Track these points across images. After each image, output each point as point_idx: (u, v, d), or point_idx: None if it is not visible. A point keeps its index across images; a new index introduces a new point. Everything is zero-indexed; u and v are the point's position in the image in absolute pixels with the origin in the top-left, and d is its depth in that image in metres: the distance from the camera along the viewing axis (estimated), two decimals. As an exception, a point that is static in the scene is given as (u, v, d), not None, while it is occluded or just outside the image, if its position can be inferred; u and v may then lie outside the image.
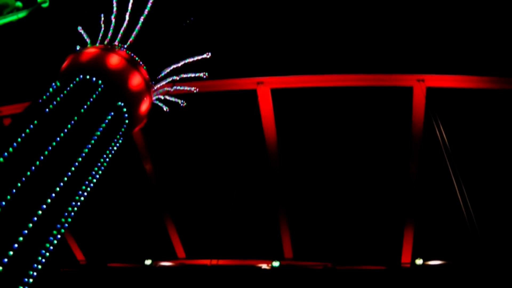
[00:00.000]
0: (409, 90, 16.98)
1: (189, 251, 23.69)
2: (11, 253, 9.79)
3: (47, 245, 10.78)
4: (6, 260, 9.65)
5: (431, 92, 16.78)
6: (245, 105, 18.35)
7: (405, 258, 20.41)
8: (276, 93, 18.00)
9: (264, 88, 17.63)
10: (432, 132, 16.97)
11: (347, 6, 17.19)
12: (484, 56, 16.15)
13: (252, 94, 17.96)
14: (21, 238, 10.09)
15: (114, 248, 24.59)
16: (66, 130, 12.01)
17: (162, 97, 15.74)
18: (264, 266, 22.08)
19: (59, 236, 11.07)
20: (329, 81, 17.27)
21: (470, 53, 16.17)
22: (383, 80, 17.03)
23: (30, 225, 10.37)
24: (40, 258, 10.62)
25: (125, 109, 13.65)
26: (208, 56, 15.93)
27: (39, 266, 10.56)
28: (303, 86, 17.68)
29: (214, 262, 20.20)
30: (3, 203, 10.06)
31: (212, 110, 19.68)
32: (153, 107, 15.14)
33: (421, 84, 16.58)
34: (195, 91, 16.18)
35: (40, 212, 10.62)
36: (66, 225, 11.34)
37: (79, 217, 19.38)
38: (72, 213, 11.60)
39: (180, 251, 23.65)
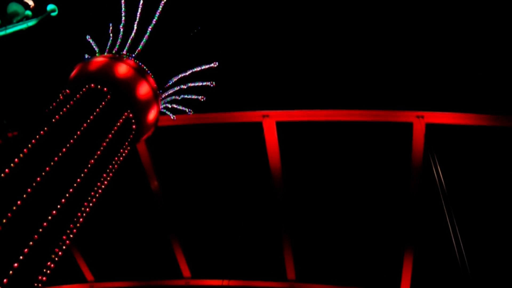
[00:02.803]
0: (409, 126, 17.48)
1: (193, 270, 23.83)
2: (16, 264, 9.78)
3: (54, 255, 10.81)
4: (11, 270, 9.65)
5: (431, 128, 17.28)
6: (251, 136, 18.93)
7: (404, 285, 20.65)
8: (281, 126, 18.46)
9: (270, 121, 18.21)
10: (431, 167, 17.35)
11: (351, 43, 18.07)
12: (482, 94, 16.99)
13: (258, 126, 18.49)
14: (27, 248, 10.09)
15: (121, 266, 24.69)
16: (74, 139, 12.06)
17: (169, 106, 15.82)
18: None
19: (66, 245, 11.10)
20: (333, 115, 17.84)
21: (469, 91, 17.05)
22: (384, 116, 17.58)
23: (38, 233, 10.38)
24: (45, 270, 10.62)
25: (133, 118, 13.71)
26: (215, 66, 16.07)
27: (44, 278, 10.56)
28: (307, 120, 18.14)
29: (225, 283, 20.38)
30: (10, 212, 10.07)
31: (220, 139, 20.29)
32: (161, 139, 15.36)
33: (420, 121, 17.11)
34: (202, 100, 16.26)
35: (47, 221, 10.63)
36: (72, 235, 11.36)
37: (86, 235, 19.79)
38: (79, 223, 11.63)
39: (185, 270, 23.74)
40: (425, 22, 17.48)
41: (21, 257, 9.89)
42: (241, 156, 19.94)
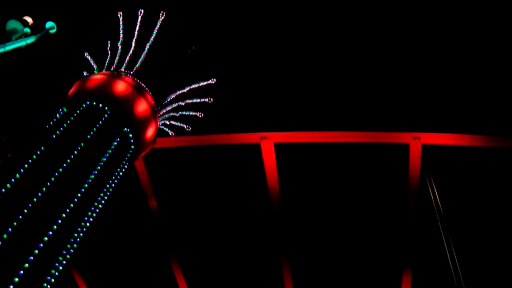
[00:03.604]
0: (405, 147, 17.75)
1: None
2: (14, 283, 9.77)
3: (52, 273, 10.79)
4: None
5: (427, 149, 17.60)
6: (250, 157, 19.26)
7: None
8: (279, 147, 18.76)
9: (268, 142, 18.45)
10: (428, 188, 17.57)
11: (348, 65, 18.39)
12: (477, 115, 17.25)
13: (256, 148, 18.83)
14: (26, 265, 10.09)
15: (120, 286, 24.62)
16: (72, 156, 12.09)
17: (168, 122, 15.88)
18: None
19: (64, 263, 11.09)
20: (330, 137, 18.11)
21: (464, 113, 17.31)
22: (381, 137, 17.88)
23: (36, 251, 10.39)
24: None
25: (131, 135, 13.75)
26: (213, 82, 16.18)
27: None
28: (305, 142, 18.52)
29: None
30: (9, 229, 10.10)
31: (218, 160, 20.56)
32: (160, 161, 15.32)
33: (416, 142, 17.42)
34: (200, 116, 16.35)
35: (45, 239, 10.64)
36: (71, 253, 11.36)
37: (85, 254, 19.76)
38: (77, 241, 11.62)
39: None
40: (419, 45, 17.81)
41: (19, 275, 9.88)
42: (240, 177, 20.03)
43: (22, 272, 9.96)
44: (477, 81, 17.22)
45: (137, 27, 15.34)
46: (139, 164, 19.24)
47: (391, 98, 17.73)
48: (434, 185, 17.11)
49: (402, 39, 17.87)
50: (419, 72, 17.78)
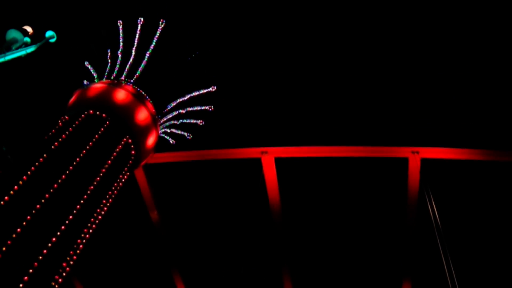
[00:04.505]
0: (404, 161, 17.90)
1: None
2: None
3: (54, 282, 10.74)
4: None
5: (426, 163, 17.79)
6: (251, 172, 19.38)
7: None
8: (280, 162, 18.92)
9: (268, 157, 18.59)
10: (426, 201, 17.67)
11: (347, 81, 18.72)
12: (476, 129, 17.44)
13: (257, 162, 18.98)
14: (27, 276, 10.03)
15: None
16: (73, 165, 12.06)
17: (168, 130, 15.87)
18: None
19: (66, 273, 11.04)
20: (330, 151, 18.28)
21: (463, 127, 17.53)
22: (380, 151, 18.06)
23: (38, 260, 10.33)
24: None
25: (131, 144, 13.73)
26: (213, 90, 16.20)
27: None
28: (305, 156, 18.68)
29: None
30: (10, 240, 10.05)
31: (219, 175, 20.71)
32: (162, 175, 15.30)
33: (415, 156, 17.60)
34: (200, 124, 16.36)
35: (47, 248, 10.59)
36: (73, 262, 11.31)
37: (86, 264, 19.75)
38: (79, 250, 11.58)
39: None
40: (417, 62, 18.04)
41: (21, 285, 9.82)
42: (240, 192, 20.11)
43: (23, 282, 9.90)
44: (476, 95, 17.40)
45: (137, 36, 15.36)
46: (141, 178, 19.25)
47: (390, 112, 17.98)
48: (433, 199, 17.18)
49: (401, 55, 18.06)
50: (418, 87, 18.07)
